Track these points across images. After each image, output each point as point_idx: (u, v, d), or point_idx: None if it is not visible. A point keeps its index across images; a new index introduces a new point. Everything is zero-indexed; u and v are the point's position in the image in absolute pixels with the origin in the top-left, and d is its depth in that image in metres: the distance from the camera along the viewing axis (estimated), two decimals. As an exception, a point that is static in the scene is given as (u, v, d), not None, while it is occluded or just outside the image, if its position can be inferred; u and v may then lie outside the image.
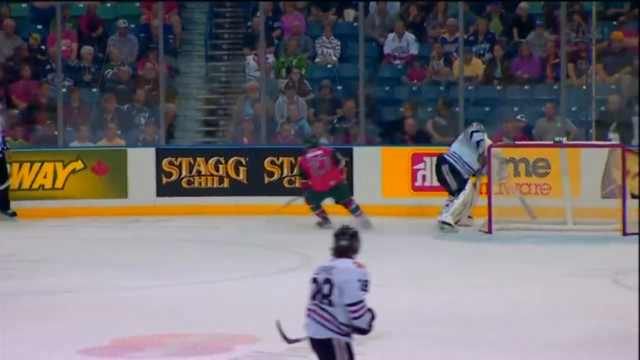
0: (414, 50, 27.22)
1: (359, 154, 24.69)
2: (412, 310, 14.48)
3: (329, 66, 27.79)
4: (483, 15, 28.28)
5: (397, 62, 27.46)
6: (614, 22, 27.61)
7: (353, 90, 26.68)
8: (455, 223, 21.46)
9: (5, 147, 24.82)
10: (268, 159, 23.50)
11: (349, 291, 8.88)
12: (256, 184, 23.32)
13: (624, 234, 20.94)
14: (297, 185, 23.17)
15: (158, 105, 26.49)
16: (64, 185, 25.45)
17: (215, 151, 25.03)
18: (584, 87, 25.56)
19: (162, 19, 27.46)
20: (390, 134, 26.26)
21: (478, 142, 21.55)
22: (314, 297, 9.12)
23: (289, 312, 10.85)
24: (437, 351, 13.22)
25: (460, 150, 21.65)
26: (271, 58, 27.58)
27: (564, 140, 22.36)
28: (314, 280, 9.14)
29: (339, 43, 27.88)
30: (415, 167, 23.16)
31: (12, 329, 13.83)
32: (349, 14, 28.74)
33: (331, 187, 20.76)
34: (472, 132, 21.70)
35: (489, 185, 21.84)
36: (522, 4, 28.32)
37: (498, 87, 26.52)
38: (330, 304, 8.88)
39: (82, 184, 25.19)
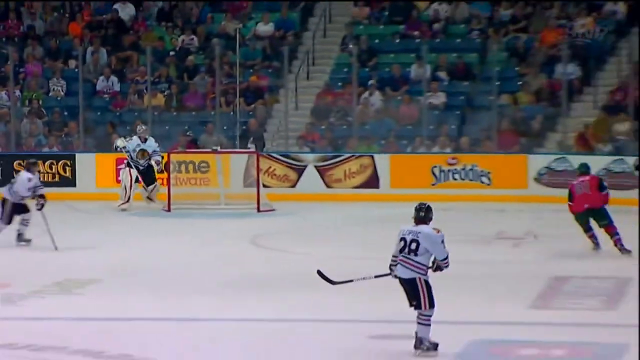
0: (117, 87, 33.90)
1: (79, 158, 31.21)
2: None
3: (58, 98, 34.17)
4: (164, 64, 34.47)
5: (106, 96, 33.99)
6: (251, 69, 33.88)
7: (76, 115, 32.30)
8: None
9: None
10: (16, 162, 28.47)
11: (439, 250, 12.53)
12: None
13: (258, 210, 27.50)
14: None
15: None
16: None
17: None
18: (232, 113, 31.87)
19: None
20: (103, 144, 32.08)
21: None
22: (401, 251, 12.77)
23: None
24: (147, 296, 17.88)
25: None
26: (18, 92, 33.73)
27: (219, 148, 29.05)
28: (403, 240, 12.83)
29: (65, 82, 34.13)
30: (119, 167, 29.25)
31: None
32: (72, 63, 34.64)
33: None
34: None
35: (168, 178, 28.09)
36: (190, 57, 34.67)
37: (174, 113, 33.13)
38: (416, 255, 12.47)
39: None
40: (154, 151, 27.96)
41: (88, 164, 30.72)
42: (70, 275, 19.58)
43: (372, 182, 29.61)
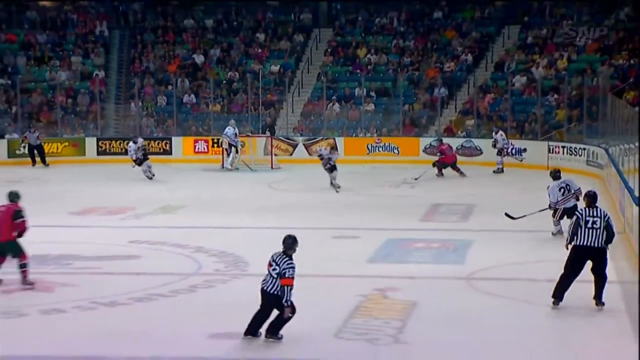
0: (194, 101, 33.84)
1: (174, 140, 31.43)
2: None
3: (162, 106, 33.80)
4: (219, 88, 34.15)
5: (188, 105, 33.67)
6: (268, 91, 33.94)
7: (172, 116, 32.52)
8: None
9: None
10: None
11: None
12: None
13: (272, 168, 27.30)
14: None
15: None
16: None
17: None
18: (257, 115, 32.47)
19: None
20: (186, 132, 32.32)
21: None
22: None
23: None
24: (214, 214, 19.27)
25: None
26: (140, 103, 33.61)
27: (251, 134, 29.52)
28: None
29: (165, 98, 33.75)
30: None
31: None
32: (169, 87, 34.00)
33: None
34: None
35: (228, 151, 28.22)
36: (234, 84, 34.24)
37: (226, 115, 32.13)
38: None
39: None
40: (235, 134, 28.48)
41: (177, 142, 31.81)
42: (168, 202, 21.16)
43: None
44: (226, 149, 28.67)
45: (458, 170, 25.92)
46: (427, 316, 11.15)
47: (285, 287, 9.39)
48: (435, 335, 10.37)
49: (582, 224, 10.91)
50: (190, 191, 23.25)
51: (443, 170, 26.01)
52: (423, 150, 30.16)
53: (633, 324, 10.17)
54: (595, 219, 10.81)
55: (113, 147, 31.44)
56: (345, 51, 36.48)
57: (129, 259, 14.36)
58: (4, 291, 12.61)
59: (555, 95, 31.12)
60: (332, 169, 22.97)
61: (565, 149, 27.81)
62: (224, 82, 35.25)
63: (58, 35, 37.42)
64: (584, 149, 26.90)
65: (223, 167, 28.49)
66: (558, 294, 11.11)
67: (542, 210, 16.00)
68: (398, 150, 30.60)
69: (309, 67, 36.32)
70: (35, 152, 29.31)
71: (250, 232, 16.91)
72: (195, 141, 31.97)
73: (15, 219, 12.55)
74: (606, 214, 11.03)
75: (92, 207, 20.26)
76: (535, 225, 16.39)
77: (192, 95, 34.59)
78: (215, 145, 30.75)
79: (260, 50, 36.84)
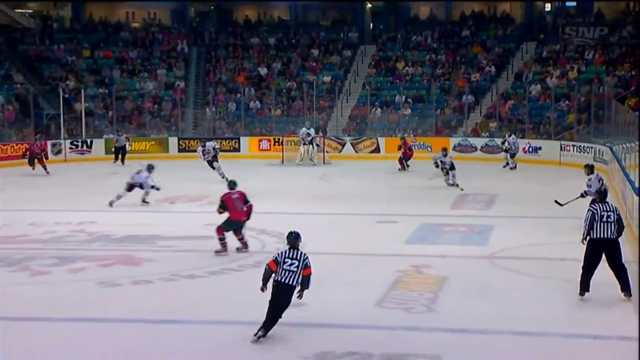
0: (259, 106, 33.88)
1: (242, 139, 31.32)
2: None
3: (231, 111, 33.97)
4: (280, 95, 34.04)
5: (254, 110, 33.63)
6: (321, 98, 33.83)
7: (240, 119, 32.69)
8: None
9: None
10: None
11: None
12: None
13: (324, 163, 27.32)
14: None
15: None
16: None
17: None
18: (312, 118, 31.62)
19: None
20: (253, 132, 32.27)
21: None
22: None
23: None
24: (280, 201, 19.97)
25: None
26: (214, 109, 33.86)
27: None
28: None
29: (235, 104, 33.94)
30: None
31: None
32: (238, 95, 33.98)
33: None
34: None
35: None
36: (292, 92, 34.31)
37: (285, 118, 32.90)
38: None
39: None
40: (309, 134, 28.39)
41: (244, 141, 31.89)
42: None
43: (376, 150, 30.76)
44: (304, 144, 28.51)
45: (408, 165, 25.66)
46: (456, 289, 11.17)
47: (310, 276, 8.90)
48: (462, 306, 10.37)
49: (598, 218, 10.34)
50: (255, 182, 22.41)
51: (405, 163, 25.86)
52: (453, 149, 29.25)
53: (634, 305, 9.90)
54: (609, 213, 10.23)
55: (191, 145, 31.24)
56: (386, 64, 36.46)
57: (204, 239, 14.34)
58: (102, 265, 12.77)
59: (567, 102, 30.98)
60: (450, 168, 21.21)
61: (575, 148, 27.59)
62: (284, 90, 35.40)
63: (146, 51, 37.70)
64: (591, 147, 26.62)
65: (299, 161, 28.30)
66: (583, 287, 10.44)
67: (577, 198, 15.16)
68: (431, 148, 29.83)
69: (355, 78, 36.18)
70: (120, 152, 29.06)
71: (306, 217, 16.79)
72: (260, 140, 32.07)
73: (246, 202, 13.39)
74: (617, 208, 10.52)
75: (174, 196, 20.20)
76: (551, 213, 15.99)
77: (257, 102, 34.82)
78: (277, 143, 30.80)
79: (314, 64, 36.87)
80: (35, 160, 25.44)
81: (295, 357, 8.47)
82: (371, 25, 40.04)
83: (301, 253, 8.91)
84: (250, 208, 13.50)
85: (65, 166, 28.37)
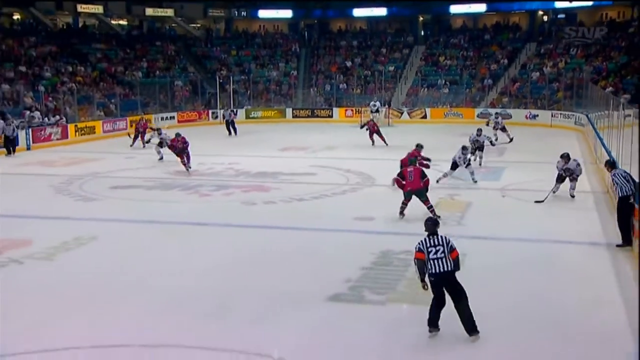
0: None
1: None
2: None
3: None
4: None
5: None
6: (387, 84, 33.20)
7: None
8: None
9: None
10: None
11: None
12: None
13: (389, 125, 26.24)
14: None
15: None
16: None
17: None
18: (382, 96, 30.43)
19: None
20: None
21: None
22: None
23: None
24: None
25: None
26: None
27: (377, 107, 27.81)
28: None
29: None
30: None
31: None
32: None
33: None
34: None
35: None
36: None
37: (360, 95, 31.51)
38: None
39: None
40: (375, 105, 26.72)
41: (336, 111, 30.27)
42: (330, 144, 19.94)
43: (424, 116, 29.35)
44: (372, 112, 26.29)
45: (381, 137, 19.61)
46: (477, 211, 10.82)
47: (458, 257, 5.82)
48: (482, 222, 10.07)
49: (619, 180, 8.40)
50: (342, 139, 22.15)
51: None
52: (477, 116, 27.97)
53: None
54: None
55: (301, 113, 30.79)
56: (432, 58, 35.08)
57: (310, 175, 14.14)
58: (244, 190, 12.48)
59: (557, 83, 29.56)
60: (479, 148, 15.36)
61: (561, 115, 26.43)
62: (362, 77, 34.14)
63: (272, 51, 37.22)
64: (573, 115, 25.45)
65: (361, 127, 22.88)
66: None
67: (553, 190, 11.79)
68: (462, 116, 28.85)
69: (411, 68, 34.94)
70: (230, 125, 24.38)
71: (375, 162, 16.07)
72: (346, 110, 30.91)
73: (423, 177, 10.05)
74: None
75: (287, 146, 19.62)
76: (545, 160, 14.29)
77: (344, 84, 33.73)
78: (357, 113, 29.43)
79: (383, 58, 35.60)
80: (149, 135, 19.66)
81: (366, 253, 8.26)
82: (422, 32, 38.86)
83: (442, 237, 5.90)
84: (426, 182, 10.12)
85: (220, 127, 26.01)
